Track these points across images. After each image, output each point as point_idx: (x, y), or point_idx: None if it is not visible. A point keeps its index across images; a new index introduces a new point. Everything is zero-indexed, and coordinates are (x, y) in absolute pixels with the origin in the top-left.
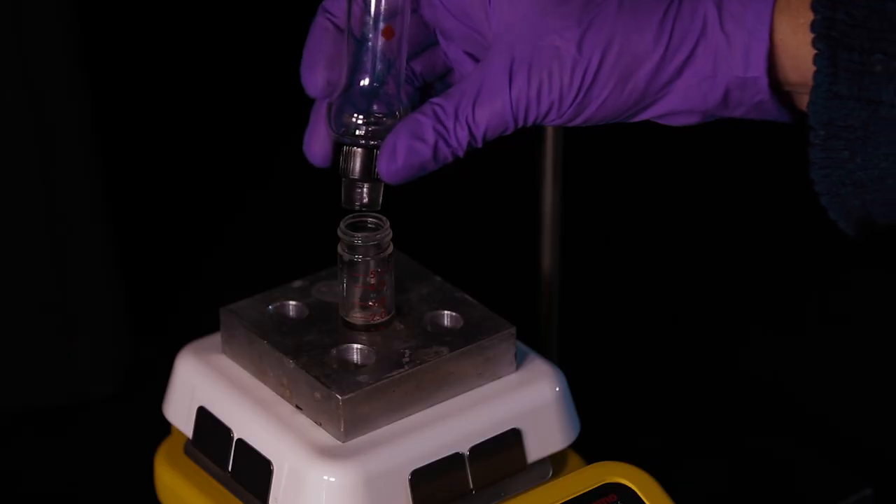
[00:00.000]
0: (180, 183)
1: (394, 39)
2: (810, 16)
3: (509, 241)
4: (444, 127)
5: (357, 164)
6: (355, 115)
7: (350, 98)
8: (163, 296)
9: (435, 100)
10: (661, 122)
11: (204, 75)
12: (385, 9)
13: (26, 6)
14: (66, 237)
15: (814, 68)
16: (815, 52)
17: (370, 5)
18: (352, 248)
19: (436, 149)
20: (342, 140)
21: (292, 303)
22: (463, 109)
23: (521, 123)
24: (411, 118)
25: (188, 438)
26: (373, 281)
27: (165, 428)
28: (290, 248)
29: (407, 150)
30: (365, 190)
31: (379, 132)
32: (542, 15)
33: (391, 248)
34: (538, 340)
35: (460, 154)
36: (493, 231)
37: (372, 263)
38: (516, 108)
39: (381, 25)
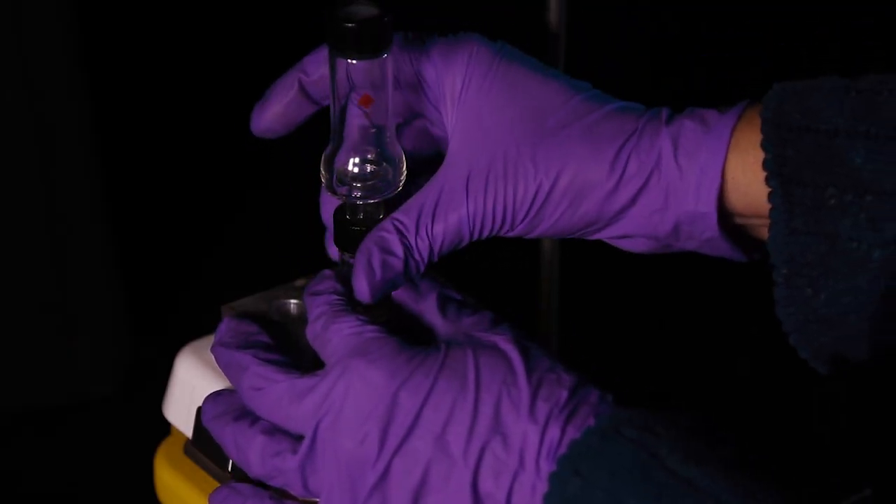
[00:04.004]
0: (180, 183)
1: (373, 106)
2: (760, 154)
3: (509, 241)
4: (409, 241)
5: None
6: (351, 180)
7: (343, 163)
8: (163, 296)
9: (395, 215)
10: (618, 244)
11: (204, 75)
12: (362, 81)
13: (26, 6)
14: (66, 237)
15: (767, 205)
16: (770, 189)
17: (349, 78)
18: None
19: (406, 263)
20: (349, 201)
21: (293, 301)
22: (423, 222)
23: (475, 237)
24: (377, 236)
25: (188, 438)
26: None
27: (165, 428)
28: (290, 248)
29: (382, 266)
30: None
31: (376, 191)
32: (505, 127)
33: None
34: (538, 341)
35: (422, 268)
36: None
37: None
38: (472, 222)
39: (359, 95)
